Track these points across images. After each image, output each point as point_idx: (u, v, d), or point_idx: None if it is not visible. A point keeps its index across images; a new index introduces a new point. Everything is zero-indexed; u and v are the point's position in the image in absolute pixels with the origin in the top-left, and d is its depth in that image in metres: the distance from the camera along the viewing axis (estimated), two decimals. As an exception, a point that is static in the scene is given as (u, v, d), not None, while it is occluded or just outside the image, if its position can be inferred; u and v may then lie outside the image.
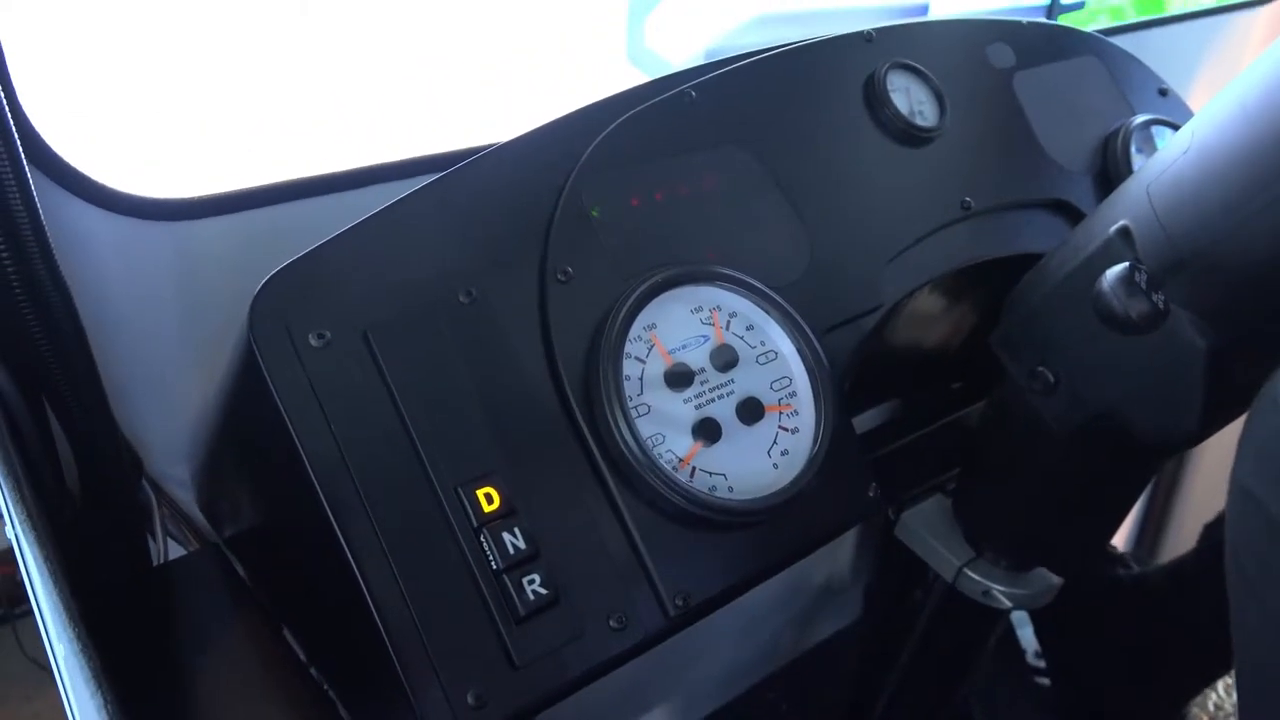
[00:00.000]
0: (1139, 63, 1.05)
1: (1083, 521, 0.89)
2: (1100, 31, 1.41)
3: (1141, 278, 0.63)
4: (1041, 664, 1.49)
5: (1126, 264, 0.64)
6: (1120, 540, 2.03)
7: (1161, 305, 0.63)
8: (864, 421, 1.02)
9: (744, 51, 0.89)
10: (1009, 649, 1.53)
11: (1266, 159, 0.61)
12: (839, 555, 1.40)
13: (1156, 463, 0.86)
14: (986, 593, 0.90)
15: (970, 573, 0.91)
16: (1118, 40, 1.16)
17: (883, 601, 1.29)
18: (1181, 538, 1.93)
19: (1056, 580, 0.91)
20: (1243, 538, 0.57)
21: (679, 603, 0.64)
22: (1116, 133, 0.95)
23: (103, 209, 0.75)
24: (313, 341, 0.60)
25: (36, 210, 0.61)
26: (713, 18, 1.83)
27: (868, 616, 1.39)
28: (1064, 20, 2.26)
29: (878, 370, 0.89)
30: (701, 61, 1.34)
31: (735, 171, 0.78)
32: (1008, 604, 0.90)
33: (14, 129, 0.57)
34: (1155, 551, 1.98)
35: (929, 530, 0.94)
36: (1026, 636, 1.53)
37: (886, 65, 0.85)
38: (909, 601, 1.06)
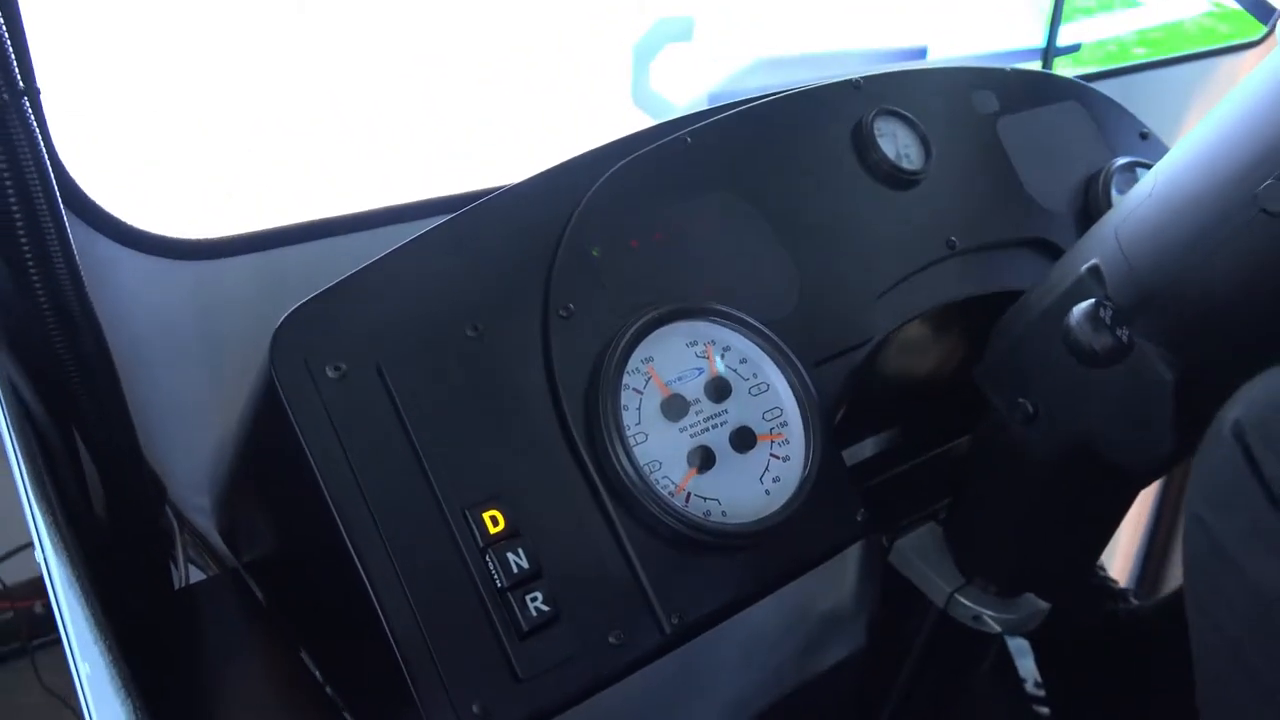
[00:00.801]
0: (1120, 107, 1.09)
1: (1066, 546, 0.92)
2: (1089, 76, 1.46)
3: (1107, 314, 0.67)
4: (1041, 693, 1.51)
5: (1093, 301, 0.68)
6: (1122, 576, 2.05)
7: (1125, 339, 0.66)
8: (861, 451, 1.06)
9: (742, 97, 0.93)
10: (1009, 678, 1.54)
11: (1221, 200, 0.65)
12: (841, 584, 1.42)
13: (1134, 489, 0.89)
14: (977, 618, 0.93)
15: (961, 598, 0.94)
16: (1107, 84, 1.20)
17: (883, 629, 1.32)
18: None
19: (1044, 605, 0.94)
20: (1195, 560, 0.60)
21: (675, 621, 0.68)
22: (1097, 174, 0.99)
23: (132, 249, 0.80)
24: (330, 373, 0.64)
25: (72, 253, 0.66)
26: (715, 61, 1.88)
27: (869, 645, 1.42)
28: (1060, 63, 2.31)
29: (871, 402, 0.93)
30: (705, 103, 1.39)
31: (729, 213, 0.82)
32: (997, 629, 0.93)
33: (54, 179, 0.62)
34: (1157, 588, 2.00)
35: (921, 557, 0.97)
36: (1026, 666, 1.55)
37: (874, 112, 0.89)
38: (906, 629, 1.09)
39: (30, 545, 1.41)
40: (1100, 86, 1.11)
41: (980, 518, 0.91)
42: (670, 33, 1.89)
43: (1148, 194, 0.72)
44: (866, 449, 1.07)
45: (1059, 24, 2.19)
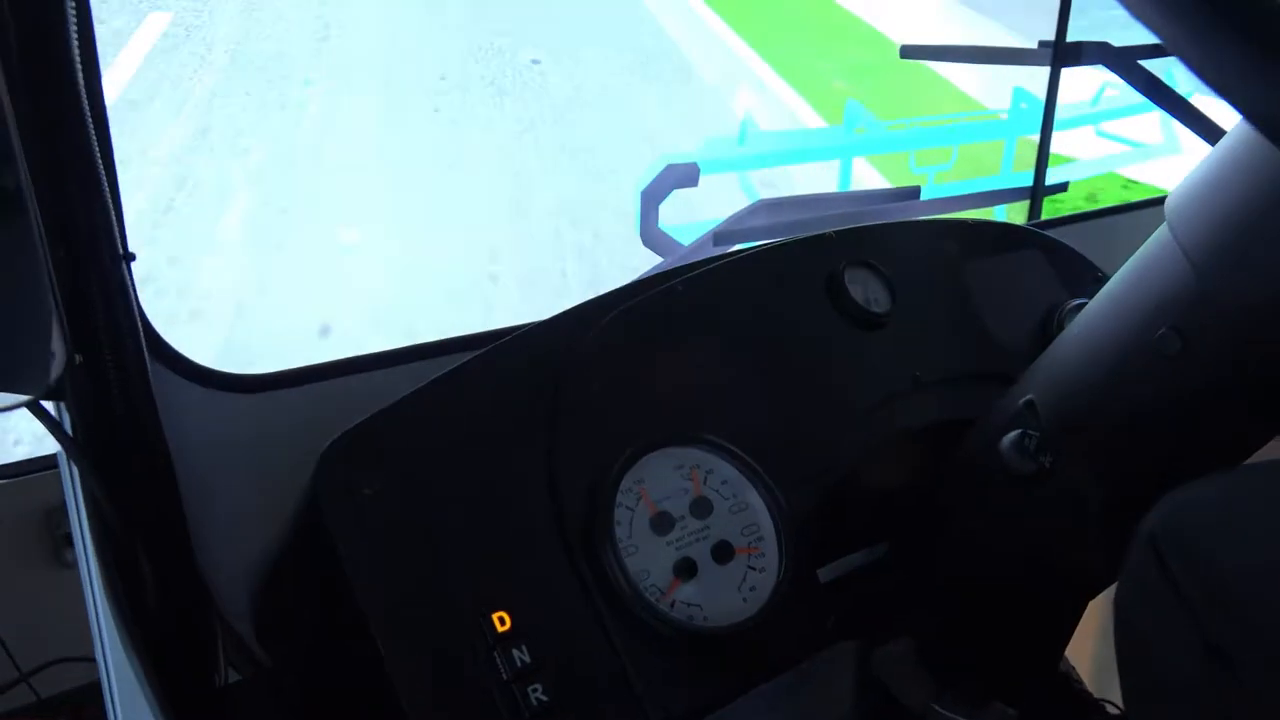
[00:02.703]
0: (1076, 253, 1.20)
1: (1024, 656, 1.00)
2: (1054, 221, 1.59)
3: (1030, 443, 0.77)
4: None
5: (1019, 431, 0.78)
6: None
7: (1047, 465, 0.77)
8: (846, 564, 1.14)
9: (743, 236, 1.05)
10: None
11: (1128, 344, 0.76)
12: (840, 696, 1.48)
13: (1081, 601, 0.98)
14: None
15: (937, 708, 1.02)
16: (1069, 229, 1.32)
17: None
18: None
19: (1012, 712, 1.01)
20: (1122, 656, 0.70)
21: (660, 715, 0.77)
22: (1052, 315, 1.10)
23: (196, 383, 0.92)
24: (366, 492, 0.75)
25: (151, 391, 0.78)
26: (720, 202, 2.02)
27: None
28: (1049, 201, 2.45)
29: (847, 521, 1.02)
30: (710, 242, 1.52)
31: (716, 351, 0.93)
32: None
33: (142, 333, 0.75)
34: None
35: (900, 667, 1.06)
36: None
37: (845, 263, 1.01)
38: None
39: (63, 661, 1.50)
40: (1065, 231, 1.22)
41: (944, 629, 1.00)
42: (677, 178, 2.04)
43: (1073, 337, 0.83)
44: (852, 562, 1.16)
45: (1046, 163, 2.34)
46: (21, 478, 1.49)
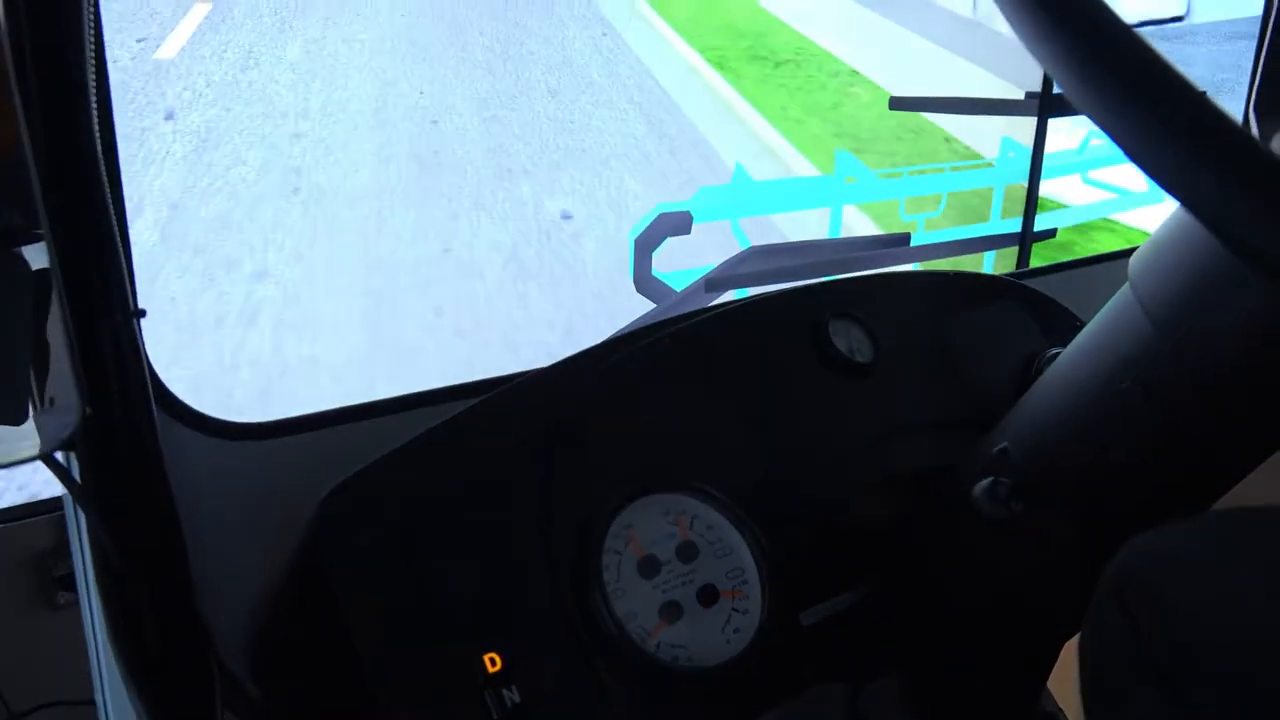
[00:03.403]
0: (1056, 303, 1.24)
1: (1002, 693, 1.02)
2: (1036, 271, 1.63)
3: (1002, 490, 0.80)
4: None
5: (991, 479, 0.81)
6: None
7: (1018, 511, 0.80)
8: (829, 607, 1.17)
9: (734, 280, 1.09)
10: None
11: (1096, 395, 0.80)
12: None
13: (1057, 642, 1.00)
14: None
15: None
16: (1055, 278, 1.36)
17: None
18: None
19: None
20: (1089, 704, 0.72)
21: None
22: (1031, 363, 1.14)
23: (198, 431, 0.95)
24: (364, 538, 0.78)
25: (157, 440, 0.81)
26: (712, 250, 2.06)
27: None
28: (1038, 247, 2.49)
29: (830, 563, 1.05)
30: (702, 288, 1.54)
31: (704, 400, 0.97)
32: None
33: (149, 384, 0.78)
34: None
35: (884, 708, 1.08)
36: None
37: (829, 315, 1.05)
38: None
39: (60, 704, 1.51)
40: (1051, 280, 1.26)
41: (926, 668, 1.02)
42: (671, 226, 2.09)
43: (1045, 388, 0.87)
44: (835, 605, 1.19)
45: (1034, 211, 2.38)
46: (14, 523, 1.52)
